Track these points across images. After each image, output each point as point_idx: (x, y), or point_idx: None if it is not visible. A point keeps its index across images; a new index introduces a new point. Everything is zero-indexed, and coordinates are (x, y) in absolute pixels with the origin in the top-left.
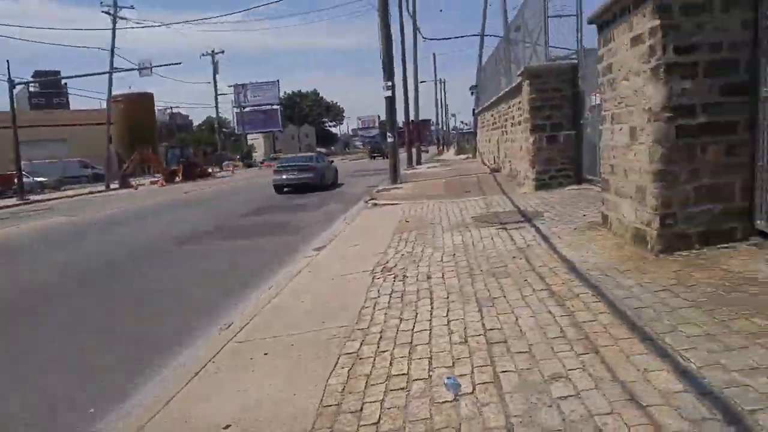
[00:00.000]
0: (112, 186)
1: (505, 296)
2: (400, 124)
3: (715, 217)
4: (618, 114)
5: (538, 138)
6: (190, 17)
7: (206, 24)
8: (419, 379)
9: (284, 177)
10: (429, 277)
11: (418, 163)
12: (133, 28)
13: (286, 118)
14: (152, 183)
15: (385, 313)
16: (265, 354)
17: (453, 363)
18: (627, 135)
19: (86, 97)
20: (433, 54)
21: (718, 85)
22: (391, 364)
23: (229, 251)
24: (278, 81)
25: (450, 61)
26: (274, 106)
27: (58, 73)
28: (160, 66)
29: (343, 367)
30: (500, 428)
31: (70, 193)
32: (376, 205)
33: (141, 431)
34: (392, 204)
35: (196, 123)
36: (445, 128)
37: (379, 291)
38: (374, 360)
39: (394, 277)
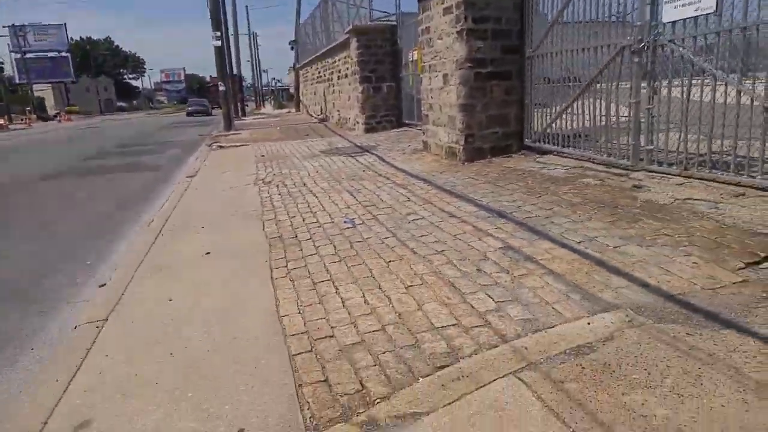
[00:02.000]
0: None
1: (365, 188)
2: (208, 78)
3: (500, 137)
4: (434, 65)
5: (366, 88)
6: None
7: None
8: (327, 222)
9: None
10: (305, 184)
11: (244, 115)
12: None
13: (76, 68)
14: None
15: (282, 201)
16: (202, 227)
17: (345, 214)
18: (441, 80)
19: None
20: (246, 7)
21: (500, 46)
22: (303, 219)
23: (102, 183)
24: (65, 24)
25: (260, 17)
26: (63, 54)
27: None
28: None
29: (270, 223)
30: (385, 236)
31: None
32: (221, 147)
33: (142, 262)
34: (238, 146)
35: None
36: (258, 84)
37: (269, 192)
38: (291, 219)
39: (276, 186)
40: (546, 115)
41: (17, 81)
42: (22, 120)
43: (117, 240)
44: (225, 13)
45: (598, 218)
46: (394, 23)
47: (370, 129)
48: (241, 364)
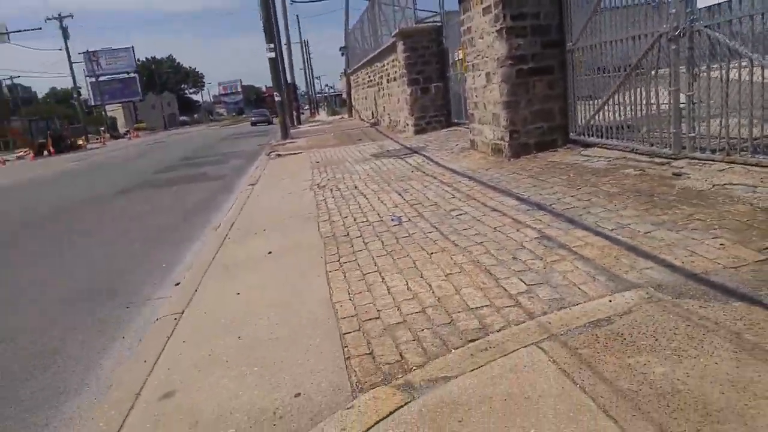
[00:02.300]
0: None
1: (413, 188)
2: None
3: (544, 131)
4: (477, 63)
5: (414, 90)
6: None
7: None
8: (376, 221)
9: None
10: (356, 187)
11: (299, 123)
12: None
13: (143, 86)
14: (19, 158)
15: (336, 204)
16: (264, 230)
17: (393, 213)
18: (484, 78)
19: None
20: (297, 16)
21: (540, 41)
22: (355, 219)
23: (171, 194)
24: (132, 47)
25: (310, 24)
26: (132, 74)
27: None
28: (19, 31)
29: (324, 224)
30: (429, 231)
31: None
32: (279, 156)
33: (211, 262)
34: (295, 154)
35: (39, 95)
36: (311, 91)
37: (323, 196)
38: (343, 220)
39: (330, 189)
40: (590, 108)
41: (92, 103)
42: (97, 139)
43: (187, 244)
44: (277, 25)
45: (634, 206)
46: (439, 23)
47: (419, 130)
48: (298, 343)
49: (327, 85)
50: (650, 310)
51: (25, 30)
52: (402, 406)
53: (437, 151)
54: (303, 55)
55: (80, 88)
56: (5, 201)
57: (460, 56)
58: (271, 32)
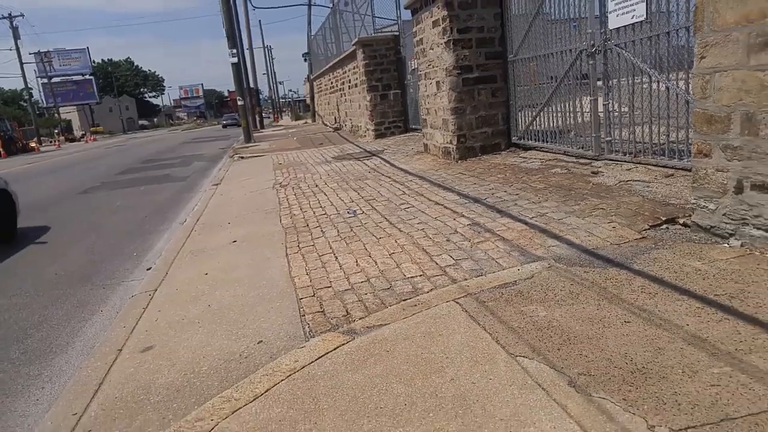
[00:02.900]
0: None
1: (369, 186)
2: (226, 92)
3: (489, 136)
4: (428, 72)
5: (374, 96)
6: None
7: None
8: (333, 214)
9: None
10: (317, 185)
11: (262, 127)
12: None
13: (99, 89)
14: None
15: (297, 200)
16: (228, 223)
17: (349, 207)
18: (435, 86)
19: None
20: (259, 21)
21: (484, 53)
22: (314, 212)
23: (136, 193)
24: (87, 48)
25: (273, 30)
26: (87, 76)
27: None
28: None
29: (286, 217)
30: (379, 221)
31: None
32: (242, 158)
33: (180, 250)
34: (258, 156)
35: None
36: (275, 96)
37: (285, 193)
38: (303, 213)
39: (292, 188)
40: (528, 115)
41: (44, 105)
42: (51, 142)
43: (156, 237)
44: (240, 29)
45: (554, 199)
46: (397, 33)
47: (379, 135)
48: (261, 307)
49: (291, 90)
50: (547, 275)
51: None
52: (344, 344)
53: (393, 155)
54: (266, 60)
55: (32, 89)
56: None
57: (414, 66)
58: (233, 38)
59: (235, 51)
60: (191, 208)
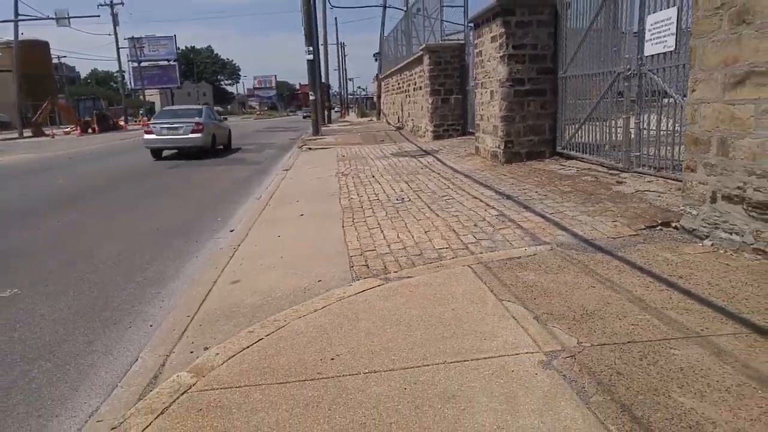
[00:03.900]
0: (25, 134)
1: (419, 179)
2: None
3: (535, 143)
4: (484, 82)
5: (436, 100)
6: None
7: None
8: (385, 200)
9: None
10: (373, 176)
11: (329, 122)
12: None
13: (181, 74)
14: (66, 133)
15: (355, 187)
16: (297, 201)
17: (398, 195)
18: (489, 95)
19: None
20: (335, 18)
21: (536, 68)
22: (368, 198)
23: (218, 171)
24: (175, 36)
25: (346, 27)
26: (172, 62)
27: None
28: (78, 17)
29: (344, 199)
30: (422, 207)
31: None
32: (310, 149)
33: (257, 219)
34: (324, 148)
35: (82, 75)
36: (344, 93)
37: (346, 181)
38: (360, 198)
39: (352, 177)
40: (572, 127)
41: (132, 87)
42: (136, 121)
43: (236, 207)
44: (317, 27)
45: (574, 201)
46: (462, 42)
47: (437, 136)
48: (321, 259)
49: (359, 87)
50: (547, 254)
51: (82, 16)
52: (380, 285)
53: (447, 155)
54: (338, 57)
55: (124, 72)
56: (86, 163)
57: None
58: (311, 36)
59: (311, 48)
60: (264, 187)
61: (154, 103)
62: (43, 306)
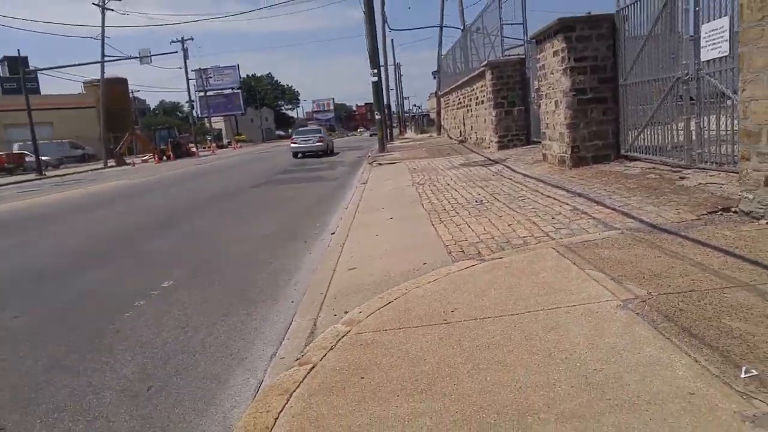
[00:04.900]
0: (109, 164)
1: (492, 185)
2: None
3: (599, 147)
4: (549, 93)
5: (499, 112)
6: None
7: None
8: (464, 202)
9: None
10: (448, 184)
11: (391, 139)
12: (122, 21)
13: (243, 101)
14: (144, 161)
15: (433, 194)
16: (382, 208)
17: (476, 198)
18: (554, 105)
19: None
20: (392, 40)
21: (597, 78)
22: (449, 201)
23: (299, 188)
24: (238, 65)
25: (401, 48)
26: (236, 90)
27: (26, 59)
28: (159, 55)
29: (426, 204)
30: (501, 207)
31: (72, 170)
32: (380, 164)
33: (351, 223)
34: (393, 163)
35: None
36: (400, 111)
37: (423, 189)
38: (441, 203)
39: (428, 185)
40: (634, 131)
41: (198, 115)
42: (204, 148)
43: (329, 216)
44: (379, 50)
45: (640, 195)
46: (523, 56)
47: (502, 147)
48: (421, 249)
49: (415, 105)
50: (618, 236)
51: (163, 54)
52: (478, 263)
53: (514, 162)
54: (395, 76)
55: (193, 101)
56: (173, 186)
57: (537, 86)
58: (375, 60)
59: (376, 71)
60: (348, 199)
61: (221, 129)
62: (199, 292)
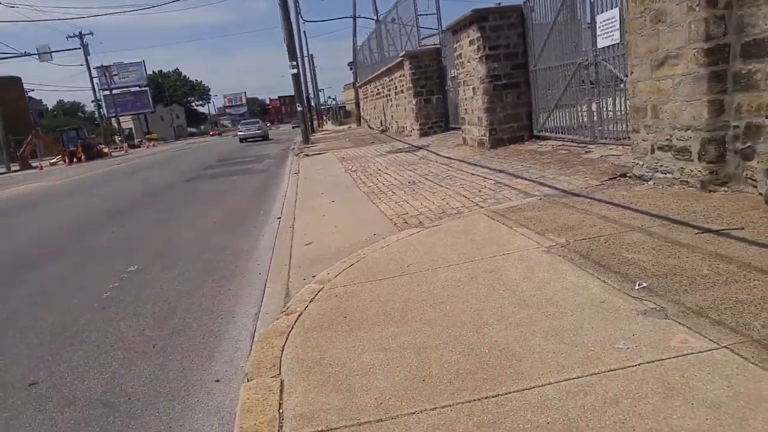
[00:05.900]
0: (12, 168)
1: (420, 168)
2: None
3: (515, 129)
4: (466, 80)
5: (419, 101)
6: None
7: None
8: (397, 183)
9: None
10: (379, 170)
11: (313, 131)
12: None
13: (153, 99)
14: (53, 164)
15: (368, 178)
16: (322, 193)
17: (407, 179)
18: (471, 91)
19: None
20: (304, 32)
21: (510, 64)
22: (384, 184)
23: (231, 182)
24: (144, 61)
25: (312, 41)
26: (143, 87)
27: None
28: (57, 51)
29: (363, 187)
30: (432, 185)
31: None
32: (307, 155)
33: (295, 208)
34: (320, 153)
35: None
36: (317, 103)
37: (357, 175)
38: (376, 185)
39: (361, 172)
40: (545, 113)
41: (105, 114)
42: (116, 148)
43: (270, 205)
44: (298, 42)
45: (553, 168)
46: (439, 46)
47: (423, 134)
48: (369, 223)
49: (330, 97)
50: (537, 201)
51: (63, 50)
52: (421, 230)
53: (437, 147)
54: (310, 68)
55: (100, 100)
56: (100, 186)
57: (454, 74)
58: (293, 51)
59: (294, 63)
60: (284, 189)
61: (130, 128)
62: (167, 272)
